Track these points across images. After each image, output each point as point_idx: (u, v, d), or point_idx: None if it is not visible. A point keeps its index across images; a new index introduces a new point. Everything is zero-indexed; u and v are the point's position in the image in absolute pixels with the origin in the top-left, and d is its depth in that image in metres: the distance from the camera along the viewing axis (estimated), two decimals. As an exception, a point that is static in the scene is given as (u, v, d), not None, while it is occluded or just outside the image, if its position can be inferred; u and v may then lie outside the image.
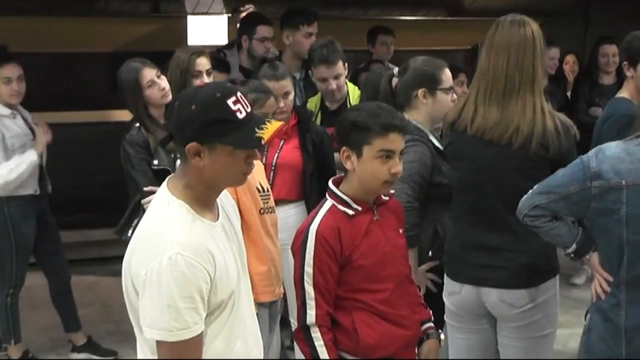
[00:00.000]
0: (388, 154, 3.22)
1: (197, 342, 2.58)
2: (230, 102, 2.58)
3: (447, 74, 4.15)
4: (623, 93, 4.73)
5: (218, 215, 2.75)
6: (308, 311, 3.23)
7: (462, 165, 3.78)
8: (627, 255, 3.20)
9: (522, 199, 3.35)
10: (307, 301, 3.22)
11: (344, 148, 3.27)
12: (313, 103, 5.62)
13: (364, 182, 3.28)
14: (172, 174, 2.79)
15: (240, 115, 2.58)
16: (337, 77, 5.36)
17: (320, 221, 3.25)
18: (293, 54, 6.27)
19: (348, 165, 3.27)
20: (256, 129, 2.60)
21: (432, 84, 4.11)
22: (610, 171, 3.17)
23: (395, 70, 4.23)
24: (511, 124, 3.58)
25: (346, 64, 5.40)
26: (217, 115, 2.56)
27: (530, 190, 3.35)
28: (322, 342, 3.22)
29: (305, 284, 3.22)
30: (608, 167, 3.18)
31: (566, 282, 7.40)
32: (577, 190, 3.24)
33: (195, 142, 2.58)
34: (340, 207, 3.28)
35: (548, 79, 7.77)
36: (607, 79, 7.40)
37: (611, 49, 7.38)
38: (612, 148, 3.23)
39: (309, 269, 3.21)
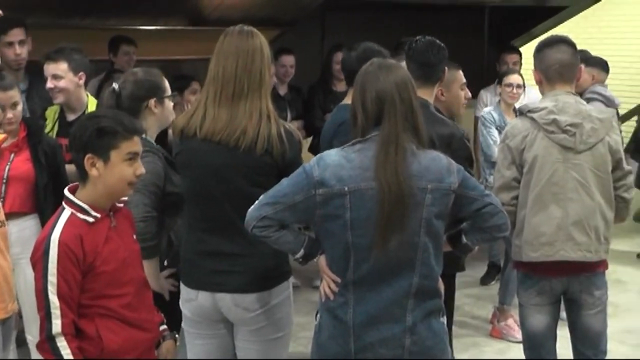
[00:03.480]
0: (134, 157, 3.32)
1: None
2: None
3: (166, 81, 4.25)
4: (348, 99, 4.90)
5: None
6: (54, 321, 3.19)
7: (192, 173, 3.81)
8: (353, 257, 3.33)
9: (250, 210, 3.40)
10: (52, 311, 3.19)
11: (88, 155, 3.27)
12: (52, 112, 5.48)
13: (110, 187, 3.32)
14: None
15: None
16: (56, 77, 5.21)
17: (62, 230, 3.23)
18: (4, 66, 5.97)
19: (93, 172, 3.29)
20: None
21: (160, 92, 4.18)
22: (332, 178, 3.29)
23: (116, 85, 4.21)
24: (239, 126, 3.67)
25: (81, 74, 5.27)
26: None
27: (257, 201, 3.40)
28: (69, 351, 3.20)
29: (50, 293, 3.19)
30: (330, 174, 3.30)
31: (309, 284, 7.59)
32: (302, 199, 3.32)
33: None
34: (80, 215, 3.29)
35: (288, 87, 7.95)
36: (341, 86, 7.53)
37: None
38: (332, 156, 3.36)
39: (52, 278, 3.18)
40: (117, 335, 3.32)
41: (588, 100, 5.80)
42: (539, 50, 4.45)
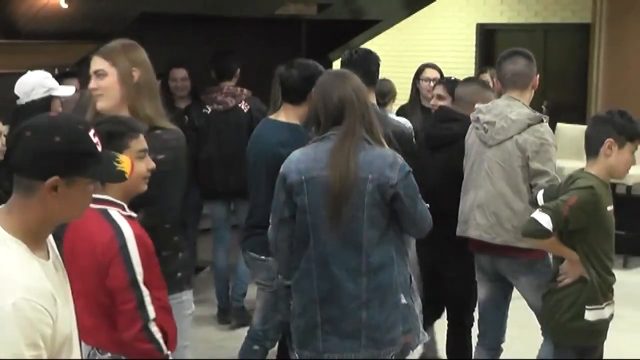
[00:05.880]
0: (144, 154, 3.48)
1: None
2: (91, 134, 2.45)
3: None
4: (283, 117, 4.97)
5: (48, 253, 2.50)
6: (147, 307, 3.34)
7: None
8: (312, 236, 3.87)
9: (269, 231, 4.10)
10: (145, 299, 3.34)
11: None
12: None
13: (128, 185, 3.27)
14: None
15: (99, 148, 2.48)
16: None
17: (129, 225, 3.37)
18: None
19: None
20: (115, 163, 2.52)
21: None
22: (293, 171, 3.91)
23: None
24: None
25: None
26: (84, 148, 2.42)
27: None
28: (160, 335, 3.38)
29: (140, 284, 3.33)
30: (292, 168, 3.92)
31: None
32: (282, 194, 3.94)
33: (57, 175, 2.36)
34: (123, 211, 3.43)
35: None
36: (183, 102, 7.35)
37: (181, 73, 7.43)
38: (296, 153, 3.99)
39: (138, 268, 3.32)
40: (170, 325, 3.51)
41: None
42: (498, 62, 4.99)
